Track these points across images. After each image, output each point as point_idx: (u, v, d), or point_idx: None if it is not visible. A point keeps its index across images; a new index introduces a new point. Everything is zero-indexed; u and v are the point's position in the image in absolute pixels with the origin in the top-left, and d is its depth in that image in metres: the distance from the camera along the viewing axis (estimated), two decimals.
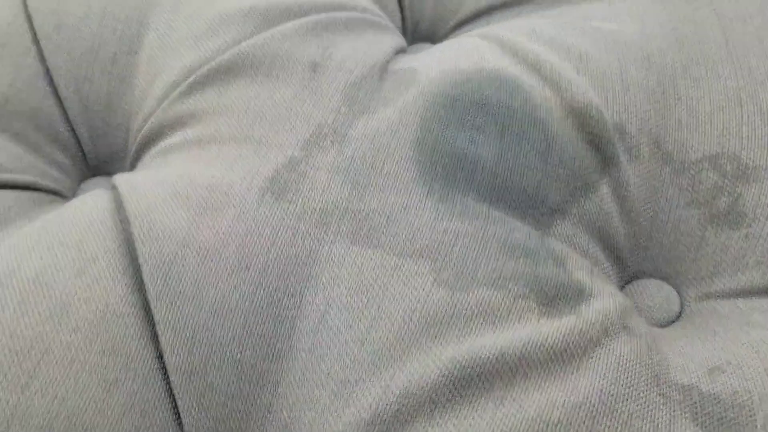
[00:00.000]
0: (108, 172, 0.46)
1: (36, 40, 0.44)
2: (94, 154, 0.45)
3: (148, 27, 0.44)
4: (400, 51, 0.46)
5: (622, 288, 0.38)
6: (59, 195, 0.43)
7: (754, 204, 0.36)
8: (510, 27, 0.43)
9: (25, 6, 0.45)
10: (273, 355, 0.33)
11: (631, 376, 0.31)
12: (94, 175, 0.46)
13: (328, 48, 0.41)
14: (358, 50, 0.42)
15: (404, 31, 0.51)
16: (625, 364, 0.31)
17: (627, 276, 0.39)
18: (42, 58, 0.44)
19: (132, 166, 0.44)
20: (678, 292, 0.38)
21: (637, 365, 0.31)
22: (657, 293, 0.38)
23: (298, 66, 0.41)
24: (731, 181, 0.37)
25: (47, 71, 0.44)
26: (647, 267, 0.38)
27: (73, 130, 0.44)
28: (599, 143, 0.38)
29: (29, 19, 0.44)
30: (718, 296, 0.37)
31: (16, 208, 0.40)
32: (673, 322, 0.37)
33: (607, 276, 0.37)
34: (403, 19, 0.51)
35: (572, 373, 0.31)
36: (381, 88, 0.41)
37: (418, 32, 0.52)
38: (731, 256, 0.37)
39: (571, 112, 0.38)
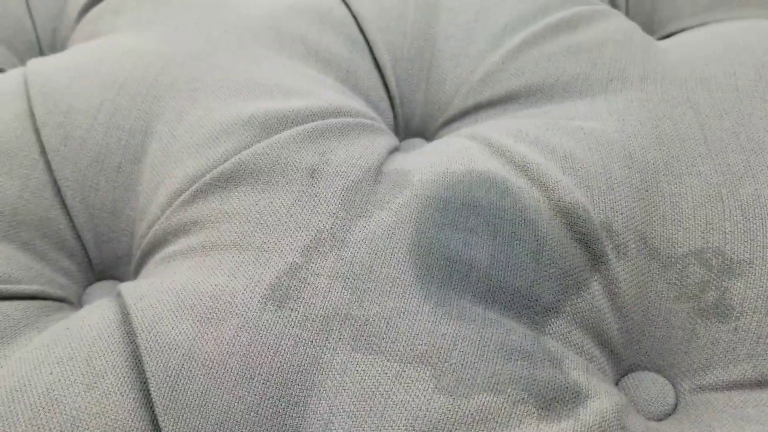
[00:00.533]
0: (113, 277, 0.47)
1: (43, 152, 0.46)
2: (99, 259, 0.46)
3: (152, 137, 0.46)
4: (394, 150, 0.48)
5: (617, 382, 0.39)
6: (66, 302, 0.45)
7: (741, 297, 0.38)
8: (497, 127, 0.46)
9: (33, 120, 0.47)
10: None
11: None
12: (99, 279, 0.47)
13: (324, 154, 0.43)
14: (354, 155, 0.44)
15: (396, 128, 0.53)
16: None
17: (622, 370, 0.40)
18: (49, 170, 0.46)
19: (136, 272, 0.45)
20: (672, 385, 0.39)
21: None
22: (652, 386, 0.39)
23: (297, 173, 0.42)
24: (717, 276, 0.38)
25: (54, 182, 0.46)
26: (641, 360, 0.39)
27: (79, 237, 0.46)
28: (588, 241, 0.39)
29: (37, 132, 0.46)
30: (711, 389, 0.38)
31: (25, 319, 0.41)
32: (669, 415, 0.38)
33: (603, 371, 0.38)
34: (395, 116, 0.53)
35: None
36: (376, 191, 0.42)
37: (410, 129, 0.54)
38: (722, 349, 0.38)
39: (559, 212, 0.40)
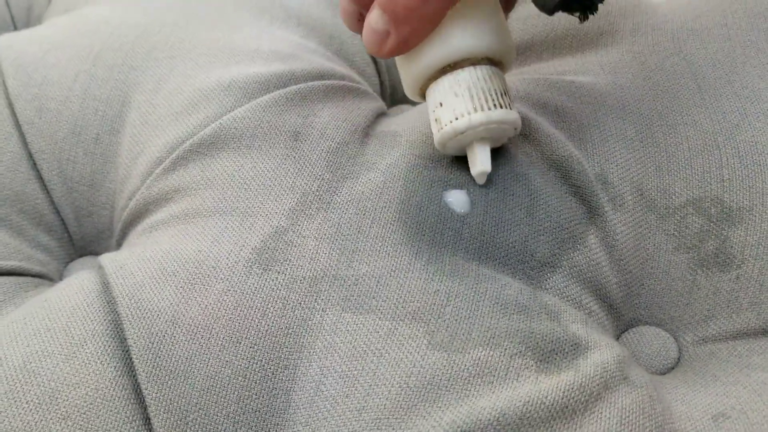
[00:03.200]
0: (94, 252, 0.46)
1: (17, 125, 0.44)
2: (79, 234, 0.45)
3: (130, 106, 0.45)
4: (381, 114, 0.46)
5: (618, 337, 0.38)
6: (45, 278, 0.43)
7: (742, 245, 0.37)
8: None
9: (6, 93, 0.45)
10: (269, 431, 0.32)
11: (635, 430, 0.30)
12: (80, 255, 0.46)
13: (308, 117, 0.42)
14: (339, 117, 0.42)
15: (383, 95, 0.52)
16: (629, 417, 0.31)
17: (622, 325, 0.38)
18: (24, 143, 0.44)
19: (118, 245, 0.43)
20: (675, 338, 0.37)
21: (641, 417, 0.31)
22: (654, 340, 0.37)
23: (280, 136, 0.41)
24: (717, 224, 0.37)
25: (30, 155, 0.44)
26: (642, 314, 0.38)
27: (57, 211, 0.44)
28: (583, 194, 0.38)
29: (10, 105, 0.45)
30: (715, 340, 0.36)
31: (2, 295, 0.39)
32: (673, 368, 0.37)
33: (603, 326, 0.37)
34: (381, 83, 0.52)
35: (575, 431, 0.30)
36: (363, 153, 0.41)
37: (396, 95, 0.53)
38: (724, 298, 0.36)
39: (552, 166, 0.39)
